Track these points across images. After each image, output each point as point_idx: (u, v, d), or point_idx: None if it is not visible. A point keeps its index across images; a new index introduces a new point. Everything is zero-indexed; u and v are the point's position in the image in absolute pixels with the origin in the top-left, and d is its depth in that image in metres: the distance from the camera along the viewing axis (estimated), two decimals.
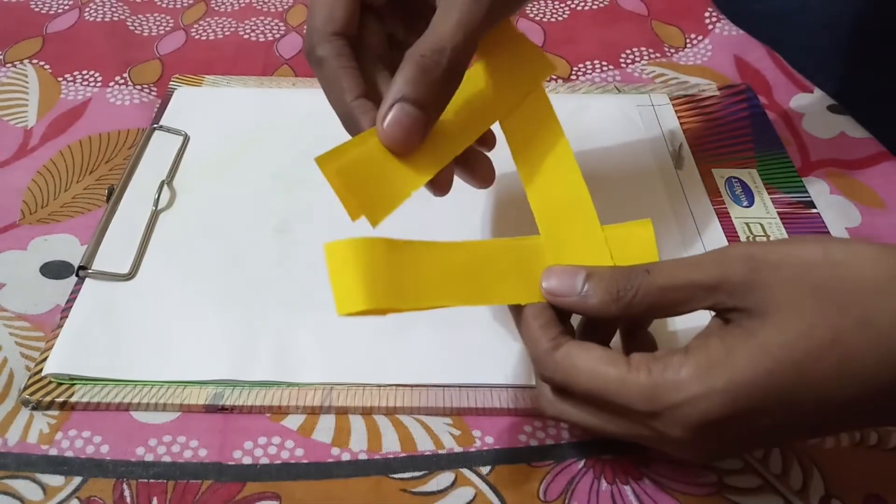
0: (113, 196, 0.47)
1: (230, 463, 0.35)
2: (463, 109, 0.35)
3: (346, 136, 0.33)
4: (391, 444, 0.36)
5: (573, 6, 0.67)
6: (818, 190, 0.49)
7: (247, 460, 0.35)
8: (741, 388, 0.27)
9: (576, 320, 0.35)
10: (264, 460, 0.35)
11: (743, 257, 0.29)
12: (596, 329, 0.34)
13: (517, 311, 0.33)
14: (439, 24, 0.31)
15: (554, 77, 0.59)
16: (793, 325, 0.27)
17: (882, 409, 0.28)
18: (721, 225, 0.46)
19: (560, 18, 0.65)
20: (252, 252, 0.44)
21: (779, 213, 0.47)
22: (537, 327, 0.32)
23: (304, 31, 0.33)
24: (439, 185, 0.35)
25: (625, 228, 0.35)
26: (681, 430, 0.28)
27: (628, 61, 0.60)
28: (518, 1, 0.35)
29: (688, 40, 0.63)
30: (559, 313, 0.33)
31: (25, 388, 0.37)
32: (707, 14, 0.65)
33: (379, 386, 0.38)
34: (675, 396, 0.28)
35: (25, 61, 0.59)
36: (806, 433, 0.31)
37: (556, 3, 0.67)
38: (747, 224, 0.46)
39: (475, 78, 0.36)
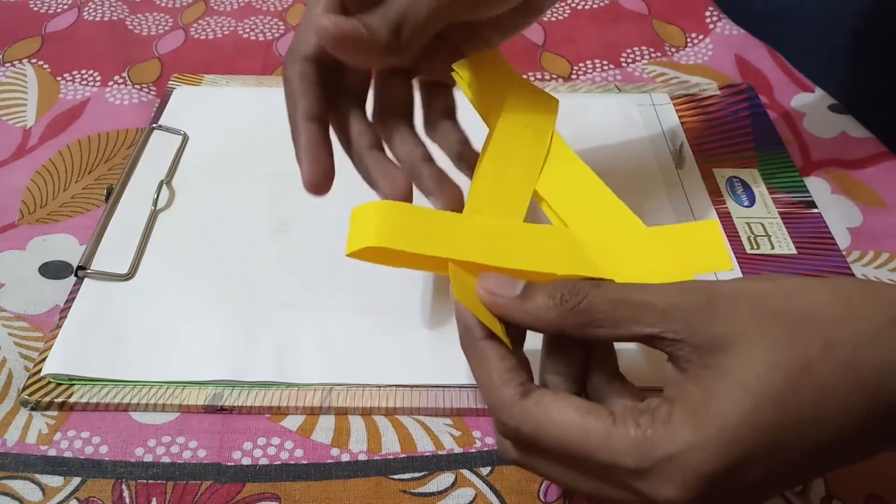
0: (112, 196, 0.46)
1: (229, 463, 0.35)
2: (511, 179, 0.35)
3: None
4: (391, 445, 0.36)
5: (574, 5, 0.67)
6: (819, 190, 0.49)
7: (246, 461, 0.35)
8: (732, 432, 0.25)
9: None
10: (264, 461, 0.35)
11: (697, 288, 0.27)
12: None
13: (474, 347, 0.29)
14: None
15: (554, 76, 0.59)
16: (761, 355, 0.25)
17: (861, 442, 0.26)
18: (722, 224, 0.46)
19: (560, 17, 0.65)
20: (251, 252, 0.44)
21: (780, 213, 0.47)
22: (504, 369, 0.28)
23: None
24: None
25: (683, 229, 0.34)
26: (673, 488, 0.25)
27: (629, 60, 0.60)
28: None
29: (688, 39, 0.63)
30: (525, 363, 0.29)
31: (24, 389, 0.37)
32: (708, 13, 0.65)
33: (379, 386, 0.38)
34: (667, 448, 0.25)
35: (24, 61, 0.59)
36: (790, 483, 0.29)
37: (557, 2, 0.67)
38: (748, 224, 0.46)
39: (504, 145, 0.36)
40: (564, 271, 0.31)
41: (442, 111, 0.37)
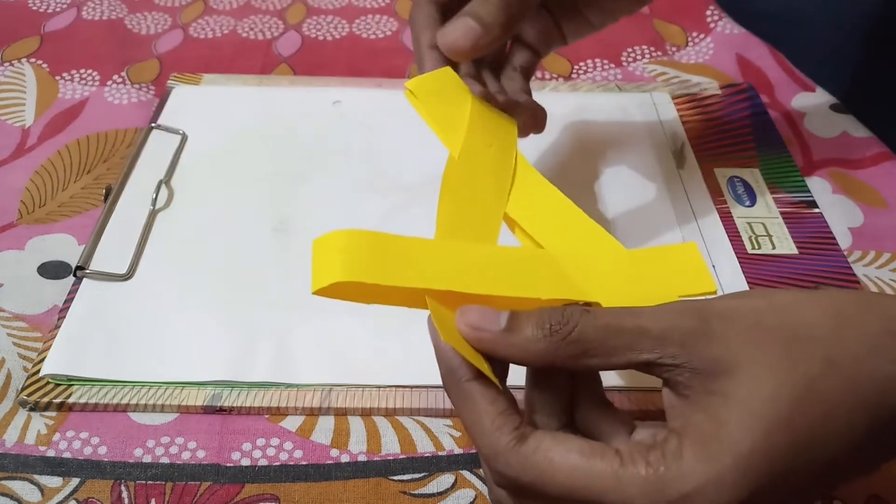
0: (111, 196, 0.46)
1: (228, 464, 0.35)
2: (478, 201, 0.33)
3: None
4: (391, 446, 0.36)
5: None
6: (820, 189, 0.49)
7: (245, 462, 0.35)
8: (746, 462, 0.24)
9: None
10: (263, 462, 0.35)
11: (690, 309, 0.26)
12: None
13: (459, 389, 0.27)
14: None
15: (555, 76, 0.59)
16: (764, 378, 0.25)
17: (869, 455, 0.26)
18: (723, 224, 0.46)
19: None
20: (250, 252, 0.44)
21: (781, 213, 0.47)
22: (496, 414, 0.26)
23: None
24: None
25: (662, 251, 0.32)
26: None
27: (630, 60, 0.60)
28: None
29: (689, 39, 0.62)
30: (513, 401, 0.27)
31: (23, 389, 0.37)
32: (709, 12, 0.65)
33: (378, 387, 0.38)
34: (681, 486, 0.24)
35: (23, 60, 0.59)
36: (803, 503, 0.29)
37: None
38: (749, 224, 0.46)
39: (471, 166, 0.35)
40: (549, 295, 0.29)
41: (519, 66, 0.40)
